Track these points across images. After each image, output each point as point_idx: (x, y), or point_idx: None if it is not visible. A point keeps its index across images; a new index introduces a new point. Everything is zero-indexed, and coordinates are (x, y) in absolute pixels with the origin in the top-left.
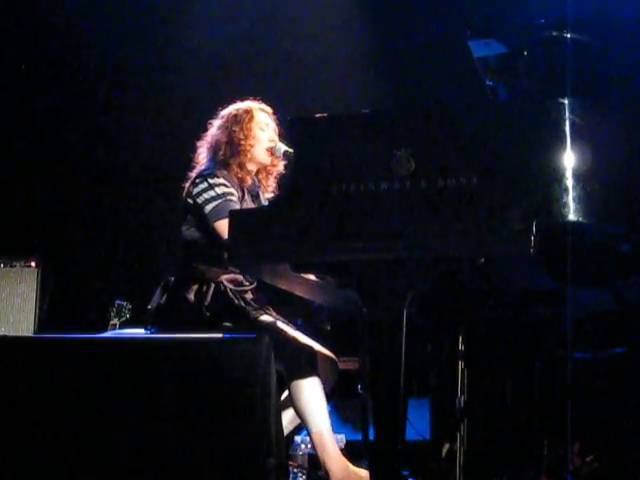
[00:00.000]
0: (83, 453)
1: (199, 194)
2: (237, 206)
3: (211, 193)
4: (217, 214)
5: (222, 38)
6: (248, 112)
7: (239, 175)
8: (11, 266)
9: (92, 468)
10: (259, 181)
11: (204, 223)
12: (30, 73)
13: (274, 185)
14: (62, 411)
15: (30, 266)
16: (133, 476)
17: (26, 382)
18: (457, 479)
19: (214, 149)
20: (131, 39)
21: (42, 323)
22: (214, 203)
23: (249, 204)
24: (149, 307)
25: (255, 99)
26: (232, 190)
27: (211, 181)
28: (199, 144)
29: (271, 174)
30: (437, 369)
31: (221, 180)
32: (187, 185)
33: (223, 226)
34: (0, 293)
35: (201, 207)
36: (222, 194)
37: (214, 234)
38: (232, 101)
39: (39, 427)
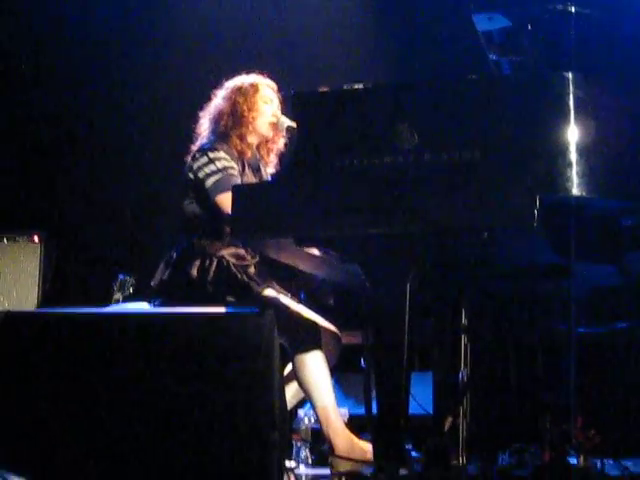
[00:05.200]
0: (85, 426)
1: (200, 168)
2: (238, 180)
3: (212, 167)
4: (218, 188)
5: (225, 11)
6: (253, 85)
7: (239, 147)
8: (14, 241)
9: (94, 440)
10: (260, 156)
11: (205, 198)
12: (29, 44)
13: (275, 160)
14: (65, 385)
15: (33, 241)
16: (134, 450)
17: (30, 357)
18: (460, 453)
19: (216, 119)
20: (133, 9)
21: (45, 298)
22: (215, 177)
23: (250, 177)
24: (152, 283)
25: (261, 73)
26: (233, 164)
27: (211, 155)
28: (201, 114)
29: (272, 150)
30: (440, 343)
31: (221, 154)
32: (188, 159)
33: (224, 200)
34: (3, 268)
35: (202, 181)
36: (223, 168)
37: (215, 208)
38: (237, 73)
39: (42, 401)
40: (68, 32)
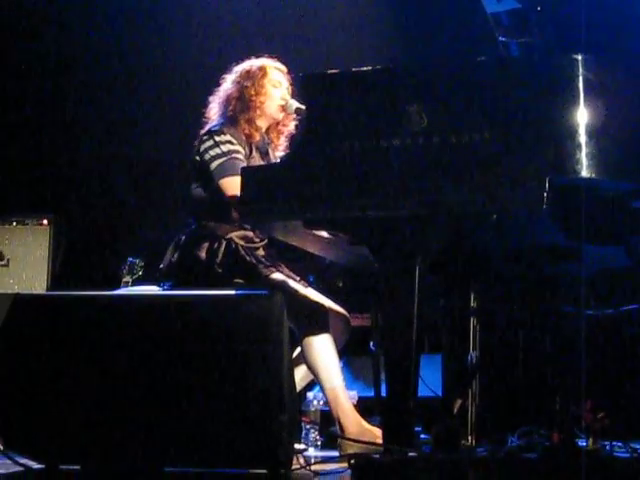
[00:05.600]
0: (95, 408)
1: (205, 151)
2: (243, 164)
3: (217, 150)
4: (222, 172)
5: None
6: (262, 69)
7: (247, 131)
8: (24, 224)
9: (104, 422)
10: (270, 139)
11: (210, 180)
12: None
13: (285, 144)
14: (75, 368)
15: (42, 224)
16: (143, 431)
17: (39, 339)
18: (469, 435)
19: (224, 104)
20: None
21: (55, 281)
22: (219, 160)
23: (257, 161)
24: (161, 266)
25: (270, 57)
26: (238, 147)
27: (217, 138)
28: (211, 99)
29: (282, 133)
30: (449, 325)
31: (227, 137)
32: (196, 142)
33: (228, 184)
34: (13, 251)
35: (207, 164)
36: (227, 152)
37: (219, 191)
38: (246, 57)
39: (51, 383)
40: (77, 11)
